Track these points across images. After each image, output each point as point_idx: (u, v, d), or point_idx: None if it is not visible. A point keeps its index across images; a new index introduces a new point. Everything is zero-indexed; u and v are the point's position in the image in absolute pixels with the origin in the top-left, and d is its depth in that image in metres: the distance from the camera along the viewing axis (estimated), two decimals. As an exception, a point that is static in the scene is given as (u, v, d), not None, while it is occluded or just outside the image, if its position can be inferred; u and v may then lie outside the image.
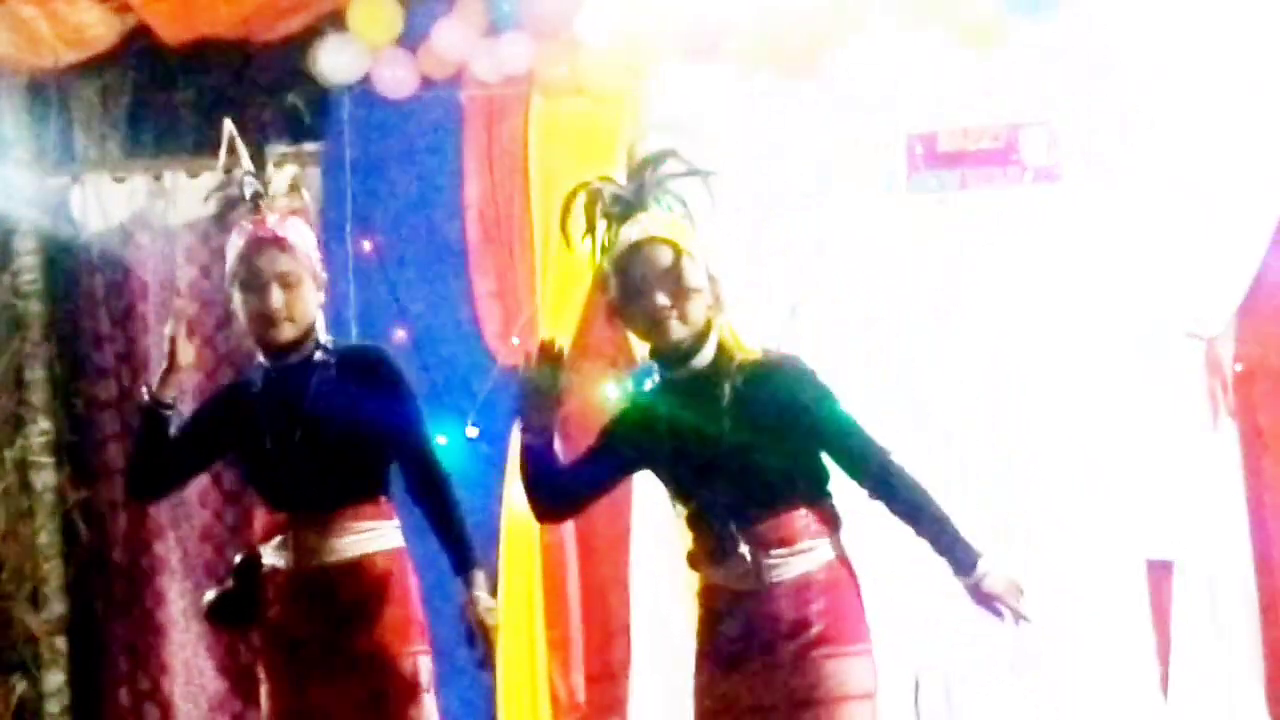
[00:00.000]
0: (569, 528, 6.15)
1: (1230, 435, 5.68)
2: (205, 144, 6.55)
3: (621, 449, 3.97)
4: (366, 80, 6.28)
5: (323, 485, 4.31)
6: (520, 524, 6.14)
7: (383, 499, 4.41)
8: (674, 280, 3.76)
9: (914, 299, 5.93)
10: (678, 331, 3.79)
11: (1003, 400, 5.87)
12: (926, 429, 5.87)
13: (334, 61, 6.25)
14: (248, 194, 4.39)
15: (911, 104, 5.88)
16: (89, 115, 6.66)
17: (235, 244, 4.36)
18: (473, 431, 6.11)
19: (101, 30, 6.22)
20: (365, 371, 4.35)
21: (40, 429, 6.63)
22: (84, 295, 6.66)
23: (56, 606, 6.62)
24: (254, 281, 4.29)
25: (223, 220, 4.48)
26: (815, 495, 3.82)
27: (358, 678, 4.29)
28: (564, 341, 4.21)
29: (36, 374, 6.64)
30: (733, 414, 3.77)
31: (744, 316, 4.01)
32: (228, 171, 4.44)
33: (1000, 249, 5.89)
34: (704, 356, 3.82)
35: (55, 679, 6.62)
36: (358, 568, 4.34)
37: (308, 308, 4.33)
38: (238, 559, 4.49)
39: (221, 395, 4.62)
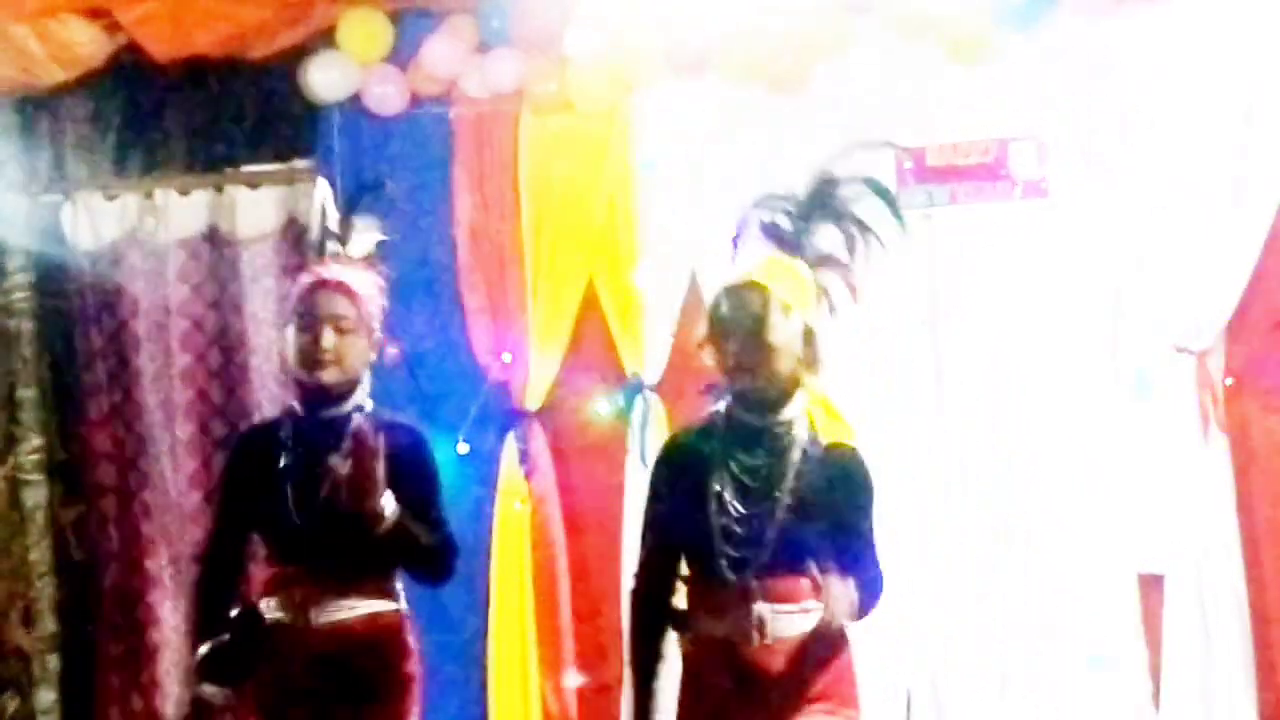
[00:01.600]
0: (560, 542, 6.16)
1: (1221, 449, 5.66)
2: (196, 162, 6.59)
3: (673, 488, 3.86)
4: (356, 97, 6.28)
5: (338, 544, 4.22)
6: (511, 540, 6.15)
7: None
8: (757, 332, 3.68)
9: (903, 314, 5.92)
10: (751, 383, 3.71)
11: (992, 415, 5.85)
12: (914, 446, 5.87)
13: (324, 78, 6.25)
14: (327, 252, 4.39)
15: (901, 118, 5.87)
16: (80, 133, 6.67)
17: (300, 283, 4.35)
18: (463, 448, 6.11)
19: (92, 48, 6.23)
20: (401, 450, 4.23)
21: (31, 446, 6.64)
22: (75, 313, 6.66)
23: (48, 624, 6.63)
24: (309, 320, 4.25)
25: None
26: (831, 566, 3.74)
27: None
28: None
29: (28, 392, 6.65)
30: (786, 483, 3.72)
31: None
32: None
33: (990, 263, 5.88)
34: (782, 414, 3.74)
35: (47, 697, 6.62)
36: (360, 627, 4.29)
37: (357, 358, 4.29)
38: (235, 612, 4.32)
39: (241, 452, 4.50)
